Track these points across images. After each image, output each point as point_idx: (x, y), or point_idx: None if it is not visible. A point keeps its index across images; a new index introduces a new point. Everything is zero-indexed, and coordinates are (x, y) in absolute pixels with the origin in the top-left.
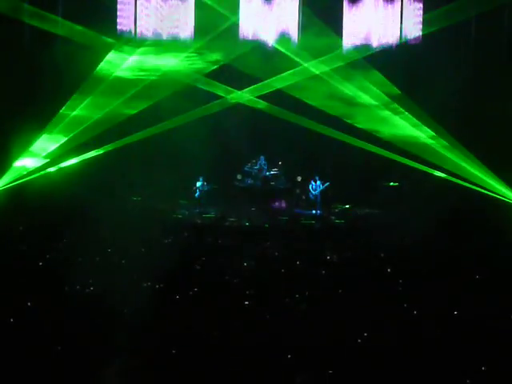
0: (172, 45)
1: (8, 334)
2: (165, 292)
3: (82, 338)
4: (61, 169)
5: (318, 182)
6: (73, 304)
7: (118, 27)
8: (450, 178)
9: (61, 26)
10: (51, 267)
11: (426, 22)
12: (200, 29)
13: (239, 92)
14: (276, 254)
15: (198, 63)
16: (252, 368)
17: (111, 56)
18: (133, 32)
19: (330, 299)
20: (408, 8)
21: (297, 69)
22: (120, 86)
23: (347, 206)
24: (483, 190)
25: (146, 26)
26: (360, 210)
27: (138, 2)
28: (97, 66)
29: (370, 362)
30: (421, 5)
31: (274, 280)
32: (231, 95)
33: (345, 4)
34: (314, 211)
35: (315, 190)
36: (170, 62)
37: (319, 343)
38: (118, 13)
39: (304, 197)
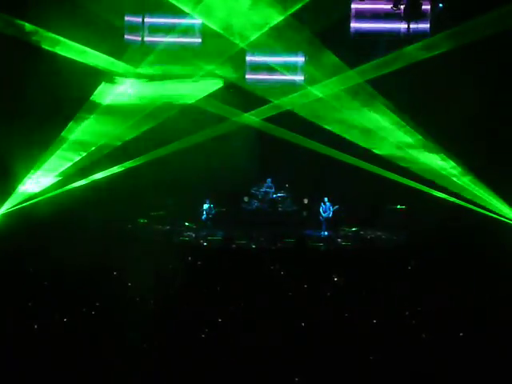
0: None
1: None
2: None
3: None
4: (65, 191)
5: (328, 204)
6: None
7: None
8: (459, 202)
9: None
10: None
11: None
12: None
13: (246, 114)
14: (282, 274)
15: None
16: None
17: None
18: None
19: (337, 320)
20: None
21: (304, 91)
22: (124, 108)
23: (354, 229)
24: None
25: None
26: (367, 232)
27: None
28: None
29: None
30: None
31: (281, 302)
32: (238, 117)
33: None
34: (322, 233)
35: (325, 212)
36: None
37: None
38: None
39: (312, 219)
